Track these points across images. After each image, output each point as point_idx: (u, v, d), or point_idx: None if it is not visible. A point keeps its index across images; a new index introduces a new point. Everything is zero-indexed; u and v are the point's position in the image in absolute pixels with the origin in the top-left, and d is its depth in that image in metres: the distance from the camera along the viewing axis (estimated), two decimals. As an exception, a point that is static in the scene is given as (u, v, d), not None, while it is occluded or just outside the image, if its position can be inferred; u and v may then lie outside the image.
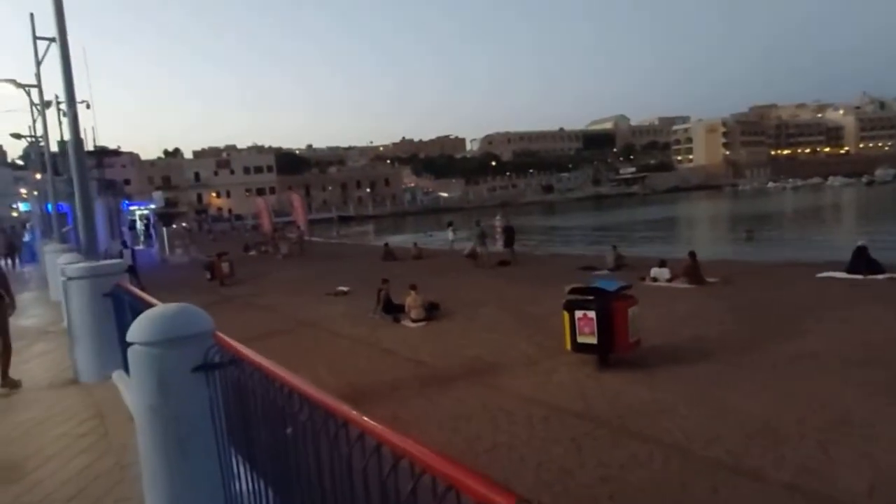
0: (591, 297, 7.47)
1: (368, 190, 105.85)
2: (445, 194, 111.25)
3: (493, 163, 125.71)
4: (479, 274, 18.60)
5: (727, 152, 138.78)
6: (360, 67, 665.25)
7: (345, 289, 16.01)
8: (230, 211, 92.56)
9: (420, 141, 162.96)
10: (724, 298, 12.03)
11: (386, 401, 7.08)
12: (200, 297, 16.81)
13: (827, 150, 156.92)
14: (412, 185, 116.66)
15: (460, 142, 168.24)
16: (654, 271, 14.67)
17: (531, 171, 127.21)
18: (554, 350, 8.64)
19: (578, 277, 16.91)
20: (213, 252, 25.15)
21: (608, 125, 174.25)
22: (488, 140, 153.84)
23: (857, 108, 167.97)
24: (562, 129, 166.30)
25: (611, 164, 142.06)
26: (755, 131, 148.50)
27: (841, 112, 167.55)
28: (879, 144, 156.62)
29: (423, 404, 6.88)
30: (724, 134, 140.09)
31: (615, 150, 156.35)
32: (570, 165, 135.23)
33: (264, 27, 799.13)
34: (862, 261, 14.01)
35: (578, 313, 7.41)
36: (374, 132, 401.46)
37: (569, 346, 7.72)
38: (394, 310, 12.34)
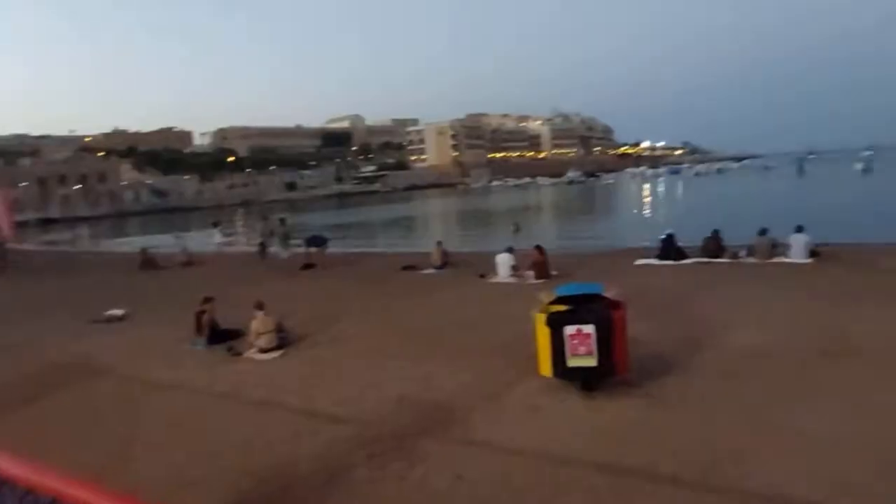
0: (581, 307, 5.83)
1: (79, 187, 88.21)
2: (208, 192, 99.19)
3: (230, 159, 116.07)
4: (288, 280, 15.61)
5: (455, 153, 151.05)
6: (53, 44, 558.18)
7: (119, 312, 11.73)
8: None
9: (137, 132, 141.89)
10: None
11: (336, 497, 4.47)
12: None
13: (530, 154, 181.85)
14: (148, 181, 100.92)
15: (187, 135, 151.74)
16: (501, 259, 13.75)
17: (272, 167, 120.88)
18: (500, 376, 6.83)
19: (405, 277, 15.40)
20: None
21: (345, 124, 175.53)
22: (222, 134, 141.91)
23: (549, 120, 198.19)
24: (300, 126, 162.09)
25: (351, 163, 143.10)
26: (476, 135, 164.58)
27: (538, 122, 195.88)
28: (566, 151, 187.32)
29: (404, 494, 4.46)
30: (452, 136, 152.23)
31: (354, 148, 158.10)
32: (311, 163, 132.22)
33: None
34: (672, 248, 15.07)
35: (570, 329, 5.71)
36: (74, 120, 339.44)
37: (548, 372, 5.98)
38: (224, 338, 9.11)
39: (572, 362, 5.75)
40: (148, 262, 19.80)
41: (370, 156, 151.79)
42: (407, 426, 5.64)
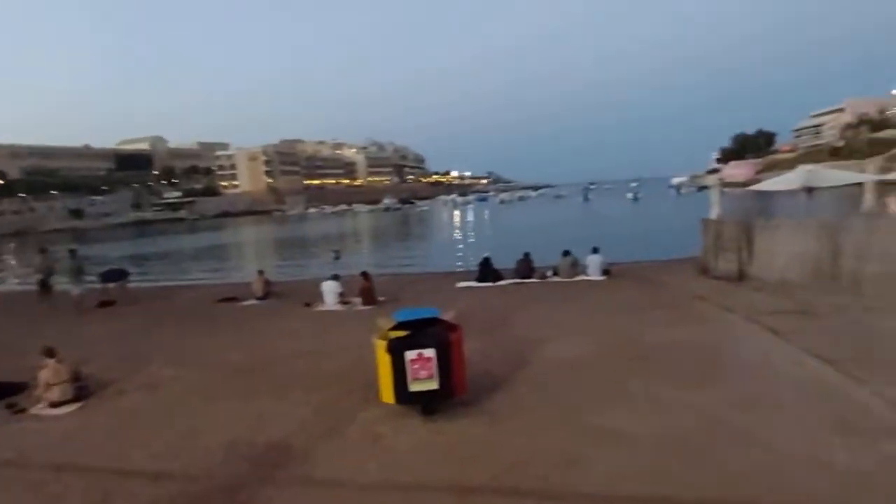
0: (421, 331, 5.91)
1: None
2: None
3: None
4: (82, 321, 13.63)
5: (269, 180, 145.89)
6: None
7: None
8: None
9: None
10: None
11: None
12: None
13: (346, 181, 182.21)
14: None
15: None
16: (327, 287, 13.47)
17: (53, 192, 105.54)
18: (339, 407, 6.63)
19: (224, 310, 14.29)
20: None
21: (143, 146, 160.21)
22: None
23: (364, 148, 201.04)
24: (88, 147, 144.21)
25: (152, 188, 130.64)
26: (291, 161, 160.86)
27: (353, 151, 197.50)
28: (381, 179, 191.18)
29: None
30: (266, 162, 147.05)
31: (155, 172, 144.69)
32: (103, 188, 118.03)
33: None
34: (489, 270, 16.04)
35: (411, 354, 5.74)
36: None
37: (391, 399, 5.94)
38: (1, 393, 7.67)
39: (414, 387, 5.80)
40: None
41: (174, 181, 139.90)
42: (242, 474, 5.21)
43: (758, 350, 7.96)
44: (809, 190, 14.05)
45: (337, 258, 30.30)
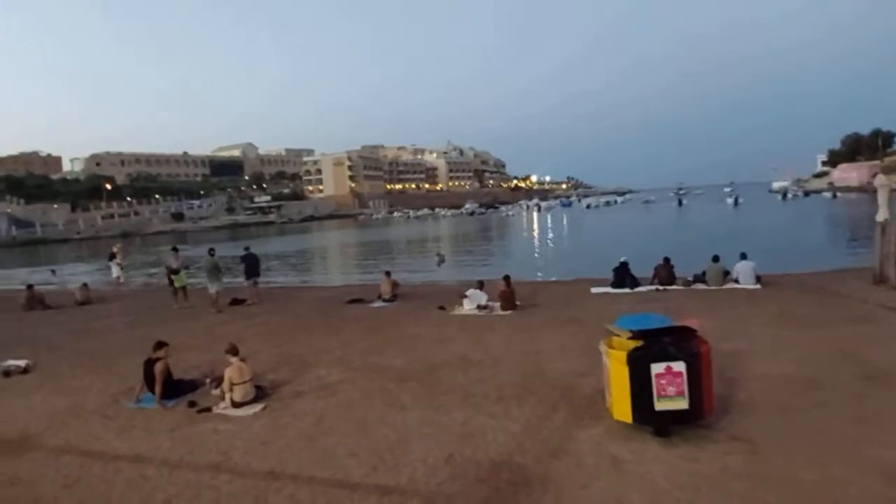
0: (666, 342, 5.12)
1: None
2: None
3: (108, 186, 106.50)
4: (222, 319, 13.79)
5: (353, 184, 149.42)
6: None
7: (21, 363, 9.57)
8: None
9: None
10: (568, 322, 10.90)
11: None
12: None
13: (427, 186, 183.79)
14: (7, 210, 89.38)
15: (55, 160, 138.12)
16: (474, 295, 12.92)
17: (156, 197, 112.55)
18: (547, 423, 5.95)
19: (356, 311, 14.05)
20: None
21: (235, 153, 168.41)
22: (95, 160, 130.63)
23: (445, 153, 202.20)
24: (186, 154, 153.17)
25: (244, 192, 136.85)
26: (374, 167, 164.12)
27: (434, 155, 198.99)
28: (462, 183, 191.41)
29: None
30: (350, 167, 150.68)
31: (245, 178, 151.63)
32: (200, 192, 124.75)
33: None
34: (627, 276, 15.00)
35: (657, 367, 4.97)
36: None
37: (627, 417, 5.19)
38: (179, 391, 7.54)
39: (661, 405, 5.01)
40: (34, 299, 16.92)
41: (263, 185, 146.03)
42: (485, 499, 4.59)
43: None
44: None
45: (441, 262, 29.91)
